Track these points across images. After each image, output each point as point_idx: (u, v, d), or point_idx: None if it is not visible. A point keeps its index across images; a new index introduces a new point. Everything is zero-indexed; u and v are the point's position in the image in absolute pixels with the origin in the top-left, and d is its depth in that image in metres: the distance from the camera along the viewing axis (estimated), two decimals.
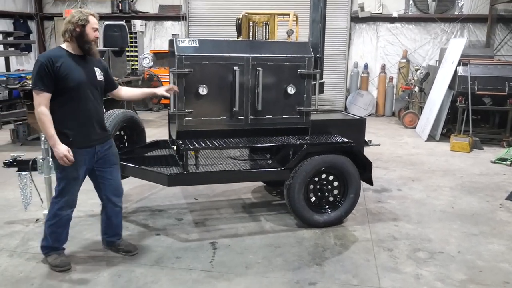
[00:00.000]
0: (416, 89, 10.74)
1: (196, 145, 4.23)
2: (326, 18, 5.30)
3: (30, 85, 8.08)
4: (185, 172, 4.27)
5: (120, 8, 13.08)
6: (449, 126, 9.52)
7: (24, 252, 3.97)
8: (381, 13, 12.21)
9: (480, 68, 8.86)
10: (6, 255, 3.91)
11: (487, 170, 7.05)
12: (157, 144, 5.31)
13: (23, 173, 4.38)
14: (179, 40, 4.32)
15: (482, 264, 3.94)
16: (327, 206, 4.60)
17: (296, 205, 4.41)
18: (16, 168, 4.30)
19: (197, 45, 4.33)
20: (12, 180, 5.26)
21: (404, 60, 12.08)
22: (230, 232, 4.46)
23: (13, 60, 12.50)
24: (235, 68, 4.35)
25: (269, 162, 4.86)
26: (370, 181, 4.74)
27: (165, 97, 4.14)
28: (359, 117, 5.24)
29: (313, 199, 4.54)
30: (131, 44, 12.75)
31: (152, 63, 11.37)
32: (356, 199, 4.62)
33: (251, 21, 9.03)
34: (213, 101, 4.42)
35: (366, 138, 5.25)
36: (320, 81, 4.90)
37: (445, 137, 9.20)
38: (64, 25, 3.46)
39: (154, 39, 13.43)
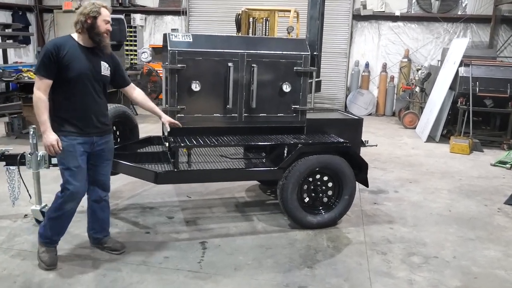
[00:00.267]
0: (417, 89, 10.63)
1: (187, 143, 4.14)
2: (327, 16, 5.21)
3: (26, 77, 8.05)
4: (175, 170, 4.18)
5: (120, 1, 12.97)
6: (449, 128, 9.42)
7: (10, 248, 3.88)
8: (384, 11, 12.08)
9: (482, 69, 8.75)
10: None
11: (487, 173, 6.94)
12: (150, 140, 5.22)
13: (11, 167, 4.30)
14: (172, 35, 4.22)
15: (477, 270, 3.84)
16: (320, 207, 4.50)
17: (289, 205, 4.31)
18: (3, 163, 4.22)
19: (191, 40, 4.23)
20: (0, 175, 5.17)
21: (406, 60, 11.97)
22: (221, 232, 4.37)
23: (11, 52, 12.42)
24: (230, 64, 4.25)
25: (263, 161, 4.76)
26: (365, 183, 4.64)
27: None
28: (356, 117, 5.14)
29: (306, 199, 4.45)
30: (131, 38, 12.66)
31: (151, 57, 11.27)
32: (350, 201, 4.52)
33: (251, 17, 8.93)
34: (206, 98, 4.32)
35: (364, 138, 5.15)
36: (316, 79, 4.79)
37: (445, 138, 9.10)
38: (76, 16, 3.41)
39: (154, 33, 13.32)
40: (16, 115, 8.28)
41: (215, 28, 12.03)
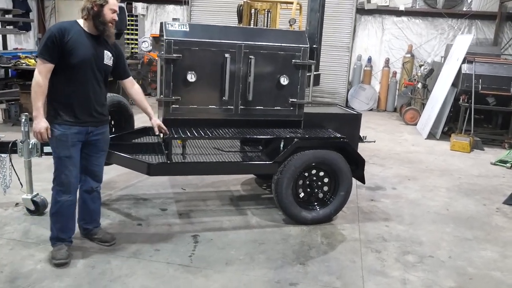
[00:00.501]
0: (419, 85, 10.52)
1: (181, 134, 4.06)
2: (331, 9, 5.14)
3: (24, 64, 7.97)
4: (168, 161, 4.11)
5: None
6: (450, 125, 9.33)
7: None
8: (388, 5, 11.94)
9: (485, 66, 8.64)
10: None
11: (487, 171, 6.86)
12: (146, 130, 5.14)
13: (3, 155, 4.24)
14: (168, 24, 4.13)
15: (473, 271, 3.78)
16: (316, 203, 4.44)
17: (284, 200, 4.25)
18: None
19: (187, 29, 4.14)
20: None
21: (409, 55, 11.84)
22: (214, 226, 4.31)
23: (11, 38, 12.31)
24: (226, 55, 4.16)
25: (258, 154, 4.69)
26: (362, 179, 4.56)
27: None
28: (354, 112, 5.05)
29: (301, 195, 4.38)
30: (132, 27, 12.55)
31: (151, 47, 11.19)
32: (346, 197, 4.45)
33: (253, 8, 8.81)
34: (202, 89, 4.24)
35: (364, 134, 5.07)
36: (315, 73, 4.70)
37: (445, 135, 9.01)
38: (83, 2, 3.35)
39: (155, 23, 13.18)
40: (13, 102, 8.21)
41: (217, 19, 11.89)
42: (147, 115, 3.85)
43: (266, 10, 8.69)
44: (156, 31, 12.95)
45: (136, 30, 12.73)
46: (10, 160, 4.24)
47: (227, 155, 4.60)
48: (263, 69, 4.32)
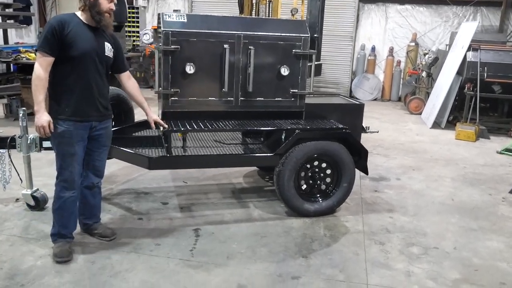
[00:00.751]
0: (424, 74, 10.40)
1: (181, 127, 4.00)
2: None
3: (24, 58, 7.92)
4: (168, 155, 4.06)
5: None
6: (455, 114, 9.23)
7: None
8: None
9: (491, 54, 8.51)
10: None
11: (492, 161, 6.77)
12: (146, 123, 5.05)
13: (1, 151, 4.20)
14: (166, 15, 4.06)
15: (478, 262, 3.72)
16: (318, 195, 4.38)
17: (286, 193, 4.19)
18: None
19: (185, 20, 4.06)
20: None
21: (413, 44, 11.70)
22: (215, 219, 4.26)
23: (12, 32, 12.25)
24: (225, 46, 4.09)
25: (259, 146, 4.63)
26: (365, 170, 4.49)
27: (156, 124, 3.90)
28: (357, 102, 4.97)
29: (304, 187, 4.32)
30: (133, 20, 12.46)
31: (153, 39, 11.09)
32: (349, 189, 4.39)
33: None
34: (201, 81, 4.17)
35: (367, 124, 4.99)
36: (317, 63, 4.62)
37: (450, 124, 8.92)
38: None
39: (156, 14, 13.07)
40: (15, 97, 8.18)
41: (218, 10, 11.79)
42: (143, 110, 3.80)
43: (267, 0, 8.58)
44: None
45: (137, 22, 12.64)
46: (9, 156, 4.20)
47: (227, 147, 4.54)
48: (263, 60, 4.25)
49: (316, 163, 4.28)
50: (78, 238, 3.71)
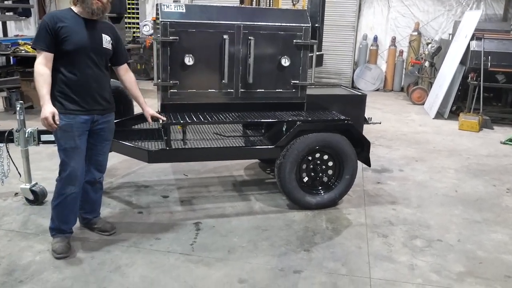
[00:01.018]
0: (427, 63, 10.28)
1: (180, 119, 3.94)
2: None
3: (23, 51, 7.85)
4: (168, 148, 4.00)
5: None
6: (458, 104, 9.14)
7: None
8: None
9: (494, 43, 8.40)
10: None
11: (496, 151, 6.70)
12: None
13: None
14: (164, 5, 3.98)
15: (483, 255, 3.67)
16: (320, 187, 4.33)
17: (287, 185, 4.14)
18: None
19: (184, 11, 3.99)
20: None
21: (416, 33, 11.55)
22: (216, 212, 4.22)
23: (11, 25, 12.17)
24: (225, 36, 4.01)
25: (260, 138, 4.57)
26: (367, 162, 4.43)
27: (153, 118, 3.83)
28: (359, 93, 4.89)
29: (305, 179, 4.26)
30: (133, 11, 12.36)
31: (153, 30, 10.99)
32: (352, 181, 4.33)
33: None
34: (201, 72, 4.10)
35: (370, 115, 4.92)
36: (318, 53, 4.55)
37: (454, 115, 8.83)
38: None
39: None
40: (14, 90, 8.12)
41: (220, 0, 11.66)
42: (139, 104, 3.74)
43: None
44: None
45: (137, 13, 12.53)
46: (7, 150, 4.15)
47: (228, 140, 4.49)
48: (263, 50, 4.17)
49: (317, 155, 4.22)
50: (78, 233, 3.68)
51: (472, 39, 8.43)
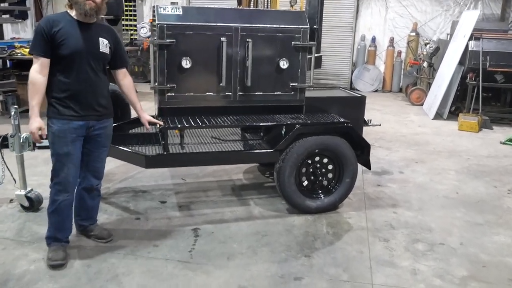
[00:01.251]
0: (425, 64, 10.25)
1: (177, 124, 3.88)
2: None
3: (19, 54, 7.77)
4: (165, 153, 3.94)
5: None
6: (457, 104, 9.09)
7: None
8: None
9: (493, 43, 8.37)
10: None
11: (496, 152, 6.66)
12: None
13: None
14: (161, 7, 3.93)
15: (486, 258, 3.61)
16: (320, 191, 4.27)
17: (287, 189, 4.08)
18: None
19: (181, 13, 3.93)
20: None
21: (414, 34, 11.52)
22: (215, 218, 4.15)
23: (8, 28, 12.08)
24: (222, 39, 3.95)
25: (259, 142, 4.51)
26: (368, 165, 4.38)
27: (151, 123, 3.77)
28: (358, 95, 4.84)
29: (305, 183, 4.21)
30: (131, 13, 12.29)
31: (150, 32, 10.91)
32: (352, 184, 4.28)
33: None
34: (198, 76, 4.04)
35: (369, 116, 4.88)
36: (316, 55, 4.49)
37: (453, 115, 8.79)
38: None
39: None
40: (10, 93, 8.05)
41: (217, 2, 11.60)
42: (135, 110, 3.67)
43: None
44: None
45: (135, 16, 12.48)
46: (2, 155, 4.08)
47: (226, 144, 4.43)
48: (261, 53, 4.11)
49: (317, 158, 4.17)
50: (74, 241, 3.60)
51: (470, 39, 8.39)
